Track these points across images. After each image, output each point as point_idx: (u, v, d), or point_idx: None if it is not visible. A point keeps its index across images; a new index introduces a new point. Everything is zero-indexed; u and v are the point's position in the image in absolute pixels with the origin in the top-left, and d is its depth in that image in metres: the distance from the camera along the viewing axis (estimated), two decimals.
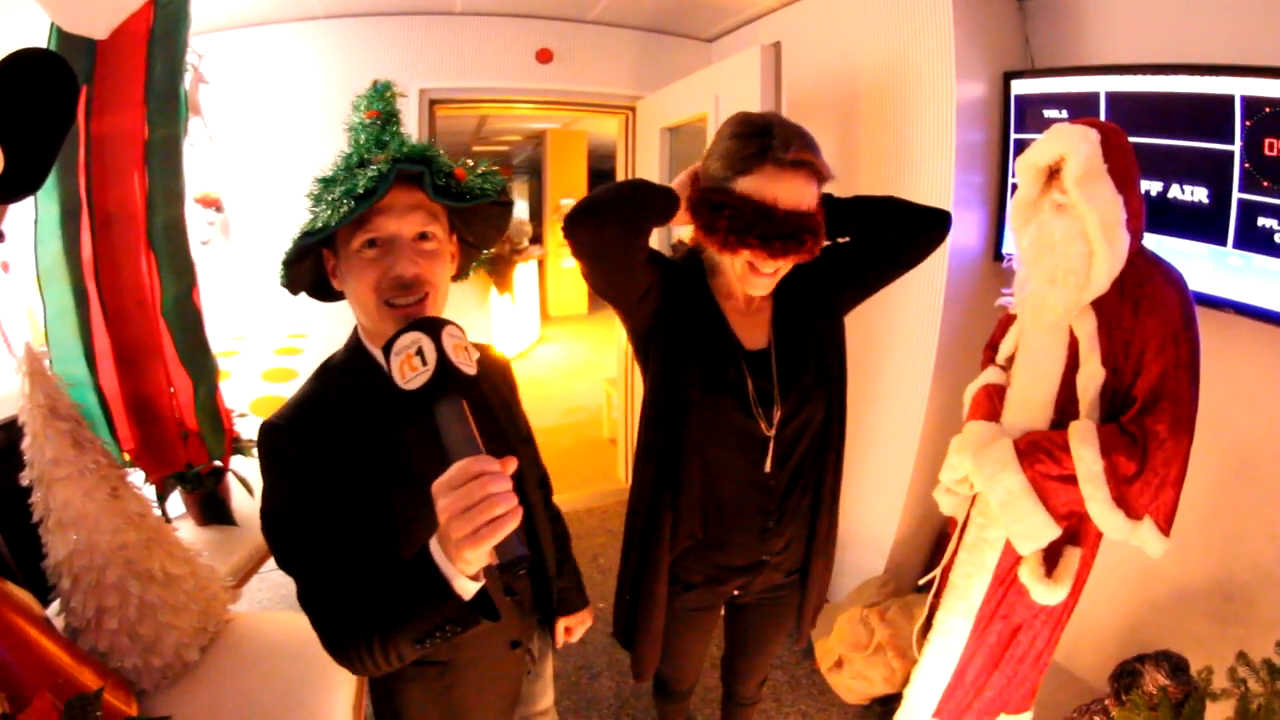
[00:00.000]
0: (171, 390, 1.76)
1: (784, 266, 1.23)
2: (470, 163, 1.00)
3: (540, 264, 8.19)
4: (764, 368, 1.34)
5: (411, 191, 0.93)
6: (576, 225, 1.17)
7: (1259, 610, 1.85)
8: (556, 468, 1.45)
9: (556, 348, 7.66)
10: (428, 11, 3.05)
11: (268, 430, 0.92)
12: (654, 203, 1.22)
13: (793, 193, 1.17)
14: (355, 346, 1.02)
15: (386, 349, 0.80)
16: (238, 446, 1.97)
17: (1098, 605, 1.93)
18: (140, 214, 1.65)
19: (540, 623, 1.32)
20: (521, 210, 9.54)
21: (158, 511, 1.68)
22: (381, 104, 1.00)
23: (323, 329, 2.95)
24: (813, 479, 1.41)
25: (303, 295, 1.06)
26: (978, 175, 2.24)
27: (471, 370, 0.81)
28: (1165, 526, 1.50)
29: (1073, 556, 1.64)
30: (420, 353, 0.78)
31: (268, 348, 2.79)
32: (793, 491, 1.39)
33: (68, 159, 1.55)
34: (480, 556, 0.74)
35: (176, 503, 1.94)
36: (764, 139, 1.17)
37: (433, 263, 0.95)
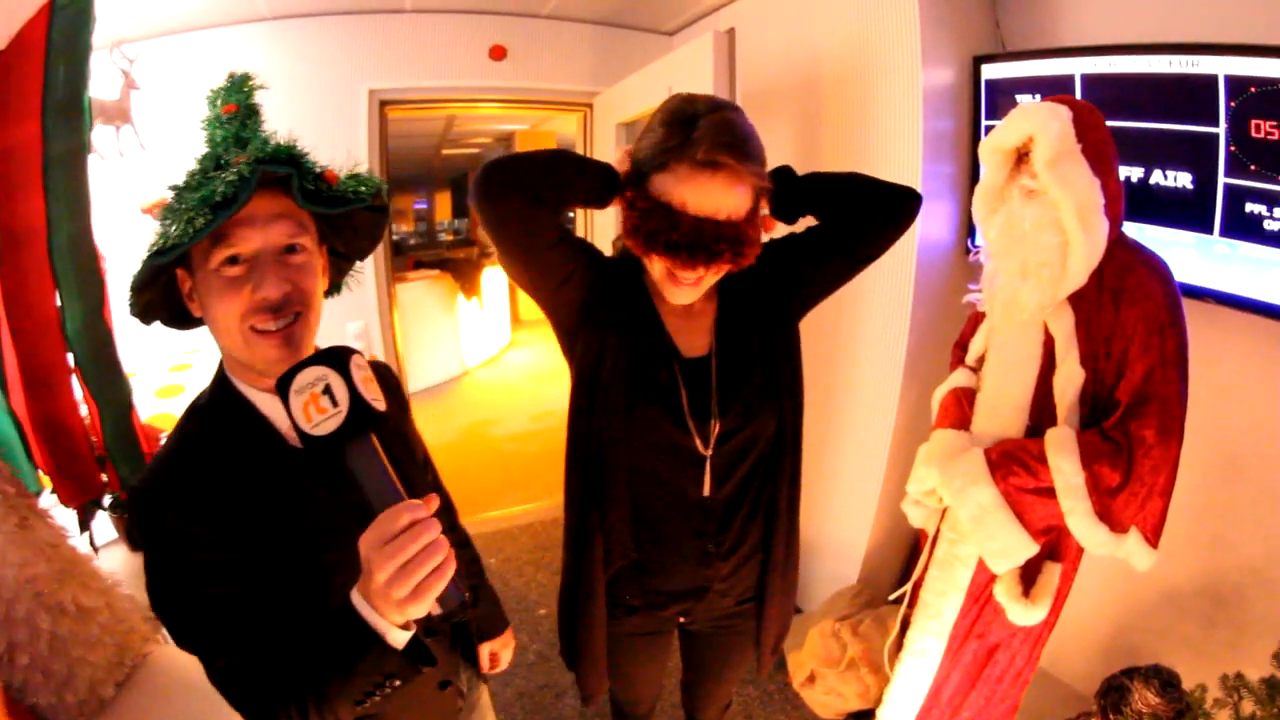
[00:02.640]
0: (85, 414, 1.58)
1: (708, 276, 1.03)
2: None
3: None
4: (703, 377, 1.13)
5: (276, 198, 0.79)
6: (478, 189, 0.98)
7: (1251, 612, 1.70)
8: (525, 475, 1.30)
9: (527, 352, 7.36)
10: (377, 10, 2.87)
11: (136, 497, 0.78)
12: (575, 181, 1.03)
13: (706, 198, 0.96)
14: (221, 384, 0.85)
15: (284, 387, 0.66)
16: None
17: (1083, 610, 1.81)
18: (42, 231, 1.47)
19: (464, 656, 1.18)
20: None
21: (76, 540, 1.52)
22: (239, 96, 0.84)
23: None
24: (764, 500, 1.20)
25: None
26: (947, 165, 2.06)
27: (383, 405, 0.69)
28: (1153, 538, 1.33)
29: (1052, 573, 1.45)
30: (329, 390, 0.65)
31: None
32: (736, 514, 1.18)
33: None
34: (420, 610, 0.66)
35: (109, 528, 1.76)
36: (686, 131, 0.96)
37: (304, 277, 0.81)
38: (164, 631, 1.68)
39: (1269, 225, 1.47)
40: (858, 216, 1.12)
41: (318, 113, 2.79)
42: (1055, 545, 1.44)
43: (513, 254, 1.05)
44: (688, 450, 1.12)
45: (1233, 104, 1.47)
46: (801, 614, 2.53)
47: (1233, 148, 1.49)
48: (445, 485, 1.23)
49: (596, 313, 1.11)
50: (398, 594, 0.64)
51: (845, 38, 2.22)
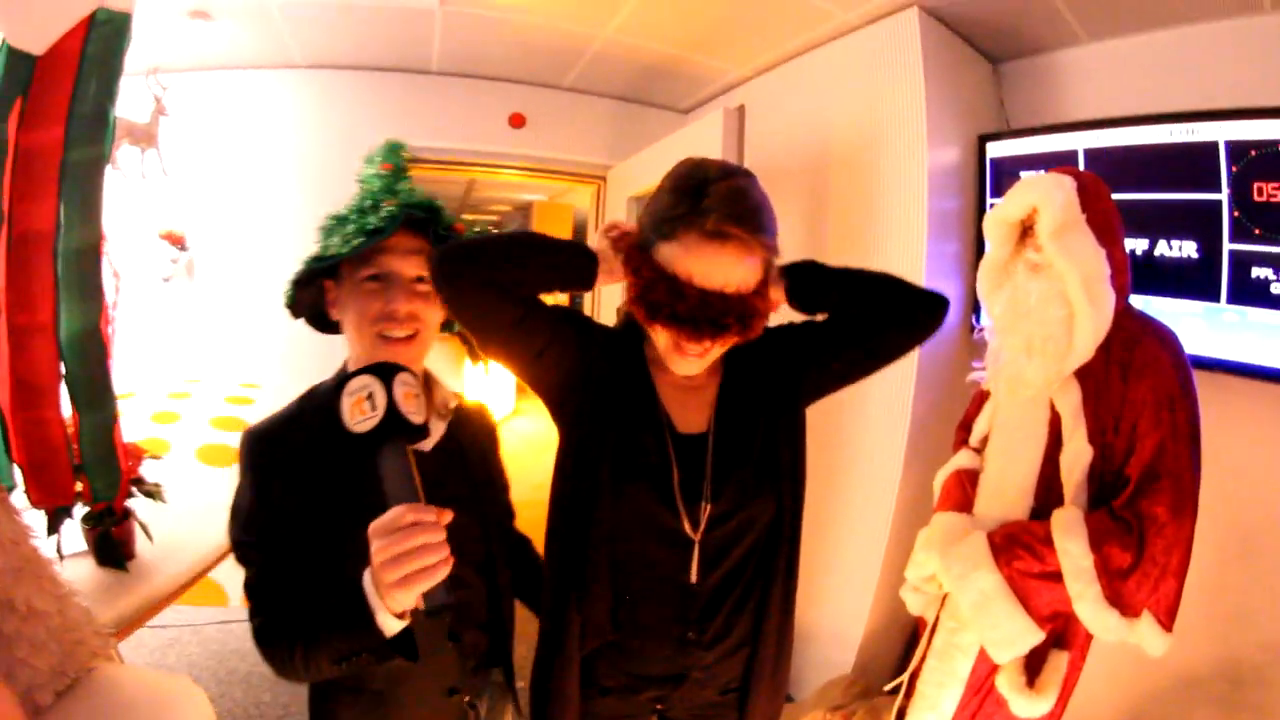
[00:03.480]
0: (69, 421, 1.53)
1: (715, 348, 0.96)
2: (468, 218, 1.01)
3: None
4: (698, 456, 1.03)
5: (414, 238, 0.98)
6: (433, 274, 0.93)
7: (1273, 694, 1.58)
8: None
9: (529, 421, 7.23)
10: (405, 69, 2.96)
11: (247, 436, 0.96)
12: (535, 266, 0.96)
13: (715, 270, 0.90)
14: (341, 374, 0.96)
15: (339, 388, 0.78)
16: (145, 489, 1.71)
17: (1092, 697, 1.66)
18: (50, 235, 1.47)
19: (498, 683, 1.19)
20: None
21: (40, 541, 1.44)
22: (395, 159, 1.06)
23: (275, 381, 2.81)
24: (755, 592, 1.07)
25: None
26: (952, 244, 2.03)
27: (420, 419, 0.78)
28: (1167, 621, 1.21)
29: (1059, 662, 1.32)
30: (371, 397, 0.76)
31: (219, 394, 2.57)
32: (723, 604, 1.05)
33: None
34: (407, 600, 0.74)
35: (80, 539, 1.69)
36: (695, 200, 0.90)
37: (427, 304, 0.99)
38: (116, 649, 1.59)
39: (1276, 289, 1.43)
40: (883, 317, 1.04)
41: (340, 161, 2.75)
42: (1062, 632, 1.31)
43: (475, 332, 1.01)
44: (675, 533, 1.01)
45: (1234, 169, 1.46)
46: (792, 703, 2.33)
47: (1236, 213, 1.47)
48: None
49: (586, 384, 1.03)
50: (387, 578, 0.72)
51: (853, 117, 2.25)
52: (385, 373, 0.77)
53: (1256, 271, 1.46)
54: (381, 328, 0.95)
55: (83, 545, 1.68)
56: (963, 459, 1.53)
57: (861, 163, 2.22)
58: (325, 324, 1.07)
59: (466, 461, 1.10)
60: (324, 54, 2.80)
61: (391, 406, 0.75)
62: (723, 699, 1.12)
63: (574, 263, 0.99)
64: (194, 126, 2.70)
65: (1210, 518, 1.23)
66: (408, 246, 0.97)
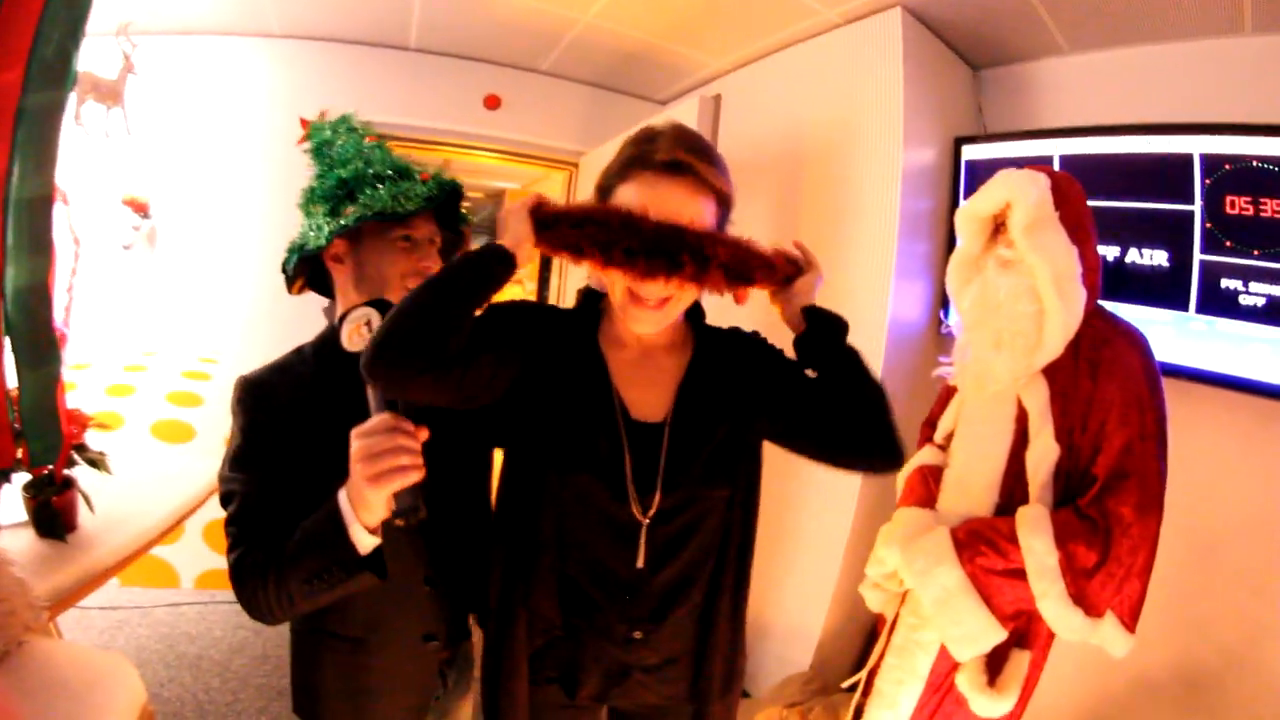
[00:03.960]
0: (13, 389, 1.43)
1: (674, 301, 0.92)
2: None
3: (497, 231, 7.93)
4: (653, 444, 0.97)
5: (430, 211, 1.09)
6: (375, 378, 0.85)
7: (1230, 697, 1.59)
8: None
9: None
10: (382, 44, 2.89)
11: (240, 381, 0.99)
12: (453, 304, 0.86)
13: (669, 200, 0.87)
14: (330, 334, 1.06)
15: (342, 316, 0.92)
16: (88, 457, 1.62)
17: (1051, 697, 1.66)
18: (1, 181, 1.37)
19: (457, 659, 1.18)
20: None
21: None
22: (364, 131, 1.13)
23: (234, 354, 2.72)
24: (702, 598, 1.02)
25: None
26: (923, 244, 2.02)
27: None
28: (1130, 622, 1.21)
29: (1020, 661, 1.30)
30: (369, 324, 0.89)
31: (176, 368, 2.47)
32: (670, 605, 1.00)
33: None
34: (379, 499, 0.80)
35: (20, 508, 1.59)
36: (646, 145, 0.90)
37: (439, 263, 1.09)
38: (56, 625, 1.50)
39: (1245, 300, 1.44)
40: (852, 418, 0.97)
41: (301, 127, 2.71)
42: (1024, 631, 1.30)
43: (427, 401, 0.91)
44: (624, 525, 0.96)
45: (1208, 182, 1.46)
46: (749, 698, 2.30)
47: (1208, 224, 1.47)
48: None
49: (533, 381, 0.97)
50: (364, 472, 0.78)
51: (830, 113, 2.23)
52: (383, 307, 0.89)
53: (1226, 282, 1.47)
54: (411, 281, 1.03)
55: (23, 515, 1.59)
56: (926, 455, 1.51)
57: (836, 159, 2.19)
58: (292, 281, 1.13)
59: (440, 411, 1.04)
60: (301, 24, 2.71)
61: None
62: (670, 704, 1.07)
63: (481, 270, 0.87)
64: (163, 90, 2.59)
65: (1173, 524, 1.22)
66: (429, 214, 1.09)
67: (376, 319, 0.88)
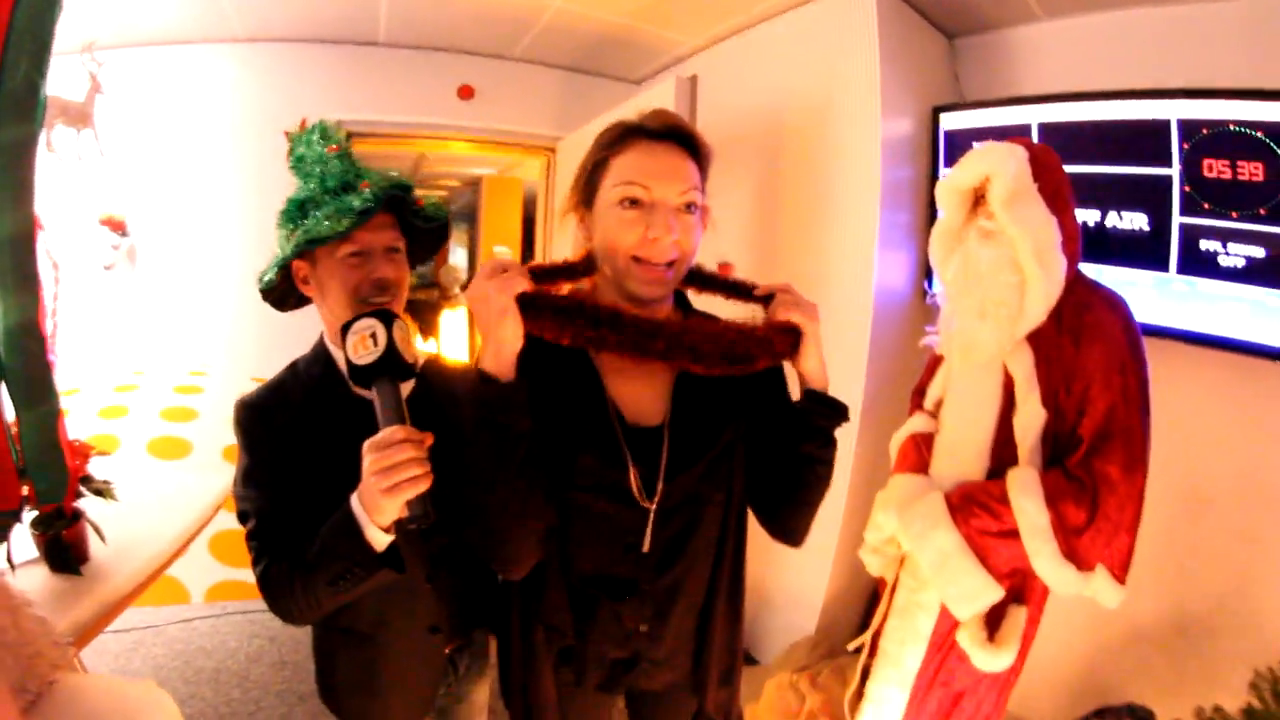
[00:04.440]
0: (13, 423, 1.42)
1: (678, 260, 0.93)
2: (418, 193, 1.12)
3: (470, 311, 7.72)
4: (653, 448, 0.98)
5: (385, 214, 1.06)
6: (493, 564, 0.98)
7: (1221, 645, 1.64)
8: None
9: None
10: (352, 41, 2.84)
11: (238, 406, 1.05)
12: (501, 467, 0.86)
13: (663, 166, 0.91)
14: (320, 350, 1.11)
15: (345, 327, 0.90)
16: (94, 488, 1.62)
17: (1050, 651, 1.70)
18: None
19: (482, 644, 1.29)
20: (460, 258, 9.16)
21: None
22: (334, 140, 1.08)
23: (224, 367, 2.72)
24: (700, 595, 1.06)
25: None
26: (905, 214, 2.04)
27: (411, 359, 0.92)
28: (1121, 575, 1.26)
29: (1018, 617, 1.36)
30: (374, 336, 0.88)
31: (167, 384, 2.45)
32: (674, 602, 1.03)
33: None
34: (394, 508, 0.85)
35: (31, 546, 1.59)
36: (629, 125, 0.95)
37: (400, 269, 1.08)
38: (78, 658, 1.52)
39: (1224, 261, 1.47)
40: (789, 488, 1.01)
41: (283, 138, 2.65)
42: (1020, 588, 1.35)
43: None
44: (628, 524, 0.98)
45: (1186, 146, 1.48)
46: (758, 665, 2.38)
47: (1187, 188, 1.50)
48: None
49: (532, 389, 0.92)
50: (378, 485, 0.82)
51: (806, 87, 2.23)
52: (387, 317, 0.89)
53: (1205, 244, 1.50)
54: (365, 295, 1.02)
55: (33, 552, 1.59)
56: (918, 423, 1.55)
57: (815, 133, 2.20)
58: (283, 302, 1.14)
59: (435, 414, 1.06)
60: (267, 26, 2.66)
61: (391, 344, 0.87)
62: (684, 684, 1.12)
63: (489, 417, 0.85)
64: (132, 105, 2.53)
65: (1159, 479, 1.27)
66: (381, 221, 1.04)
67: (380, 330, 0.88)
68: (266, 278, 1.06)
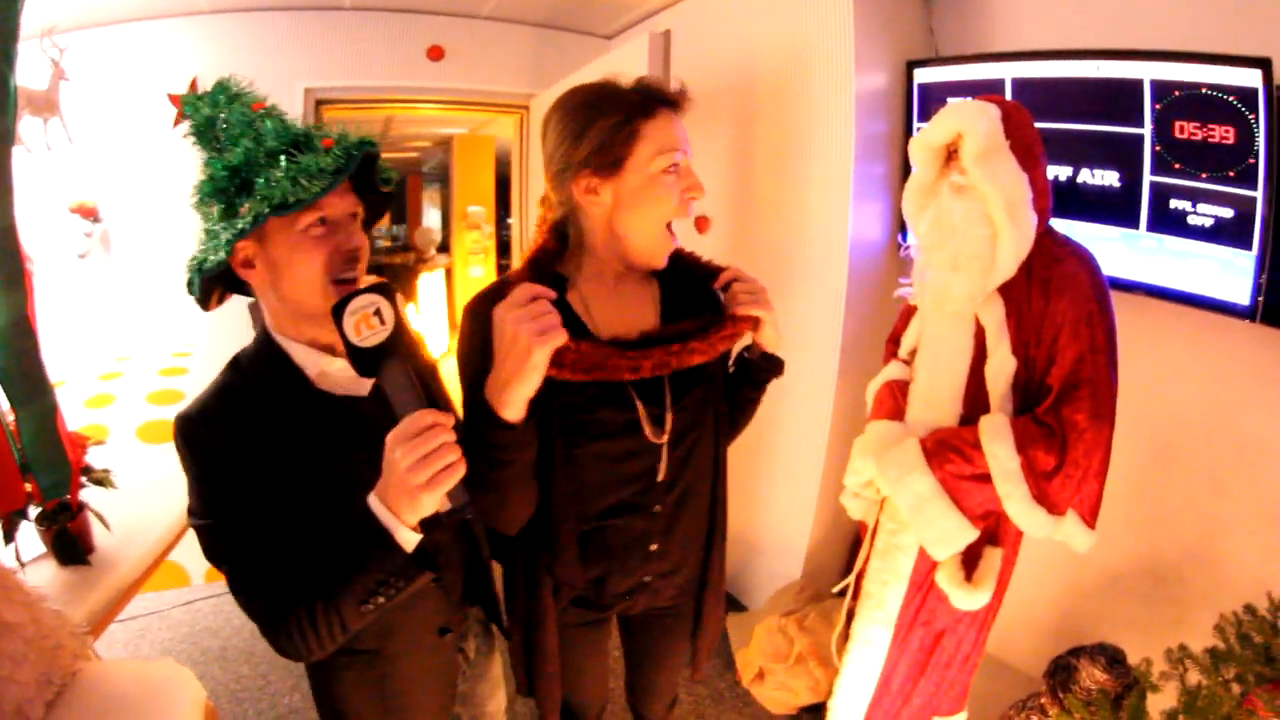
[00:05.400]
0: (11, 421, 1.43)
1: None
2: (386, 156, 1.02)
3: (448, 273, 7.37)
4: (652, 386, 1.07)
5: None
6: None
7: (1190, 589, 1.72)
8: None
9: None
10: (316, 7, 2.76)
11: (180, 421, 0.88)
12: (504, 483, 0.96)
13: (680, 132, 1.00)
14: (264, 341, 0.95)
15: (339, 310, 0.78)
16: (94, 478, 1.64)
17: (1027, 594, 1.82)
18: None
19: (480, 621, 1.24)
20: (434, 219, 9.00)
21: None
22: (250, 97, 0.95)
23: (207, 346, 2.69)
24: (704, 505, 1.19)
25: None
26: (879, 166, 2.06)
27: (412, 335, 0.83)
28: (1090, 519, 1.32)
29: (993, 557, 1.43)
30: (379, 313, 0.78)
31: (152, 368, 2.45)
32: (681, 514, 1.15)
33: None
34: (433, 502, 0.75)
35: (37, 542, 1.62)
36: (635, 93, 0.97)
37: (364, 237, 0.96)
38: (93, 648, 1.56)
39: (1192, 220, 1.49)
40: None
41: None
42: (994, 530, 1.42)
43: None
44: (642, 460, 1.07)
45: (1158, 106, 1.50)
46: (746, 611, 2.49)
47: (1158, 148, 1.51)
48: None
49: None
50: (415, 479, 0.72)
51: (780, 41, 2.21)
52: (387, 291, 0.80)
53: (1175, 203, 1.52)
54: (339, 271, 0.90)
55: (40, 548, 1.62)
56: (893, 370, 1.59)
57: (789, 87, 2.19)
58: (207, 298, 0.97)
59: (427, 381, 1.11)
60: None
61: (399, 320, 0.79)
62: (677, 602, 1.25)
63: (494, 451, 0.89)
64: (97, 87, 2.46)
65: (1129, 428, 1.32)
66: (345, 186, 0.93)
67: (385, 306, 0.78)
68: (215, 259, 0.88)
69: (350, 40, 2.87)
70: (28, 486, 1.46)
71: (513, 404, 0.85)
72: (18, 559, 1.52)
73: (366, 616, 0.82)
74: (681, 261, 1.12)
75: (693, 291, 1.13)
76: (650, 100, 0.97)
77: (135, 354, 2.54)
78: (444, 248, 7.58)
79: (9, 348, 1.39)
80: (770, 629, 2.11)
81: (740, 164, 2.46)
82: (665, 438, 1.07)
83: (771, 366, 1.16)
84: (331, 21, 2.82)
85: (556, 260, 1.07)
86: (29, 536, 1.58)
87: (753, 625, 2.19)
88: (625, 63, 2.25)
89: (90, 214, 2.47)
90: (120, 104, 2.61)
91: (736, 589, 2.68)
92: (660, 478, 1.09)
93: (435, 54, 2.98)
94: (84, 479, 1.61)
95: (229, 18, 2.68)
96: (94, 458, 1.68)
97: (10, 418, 1.46)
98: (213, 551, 0.87)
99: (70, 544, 1.60)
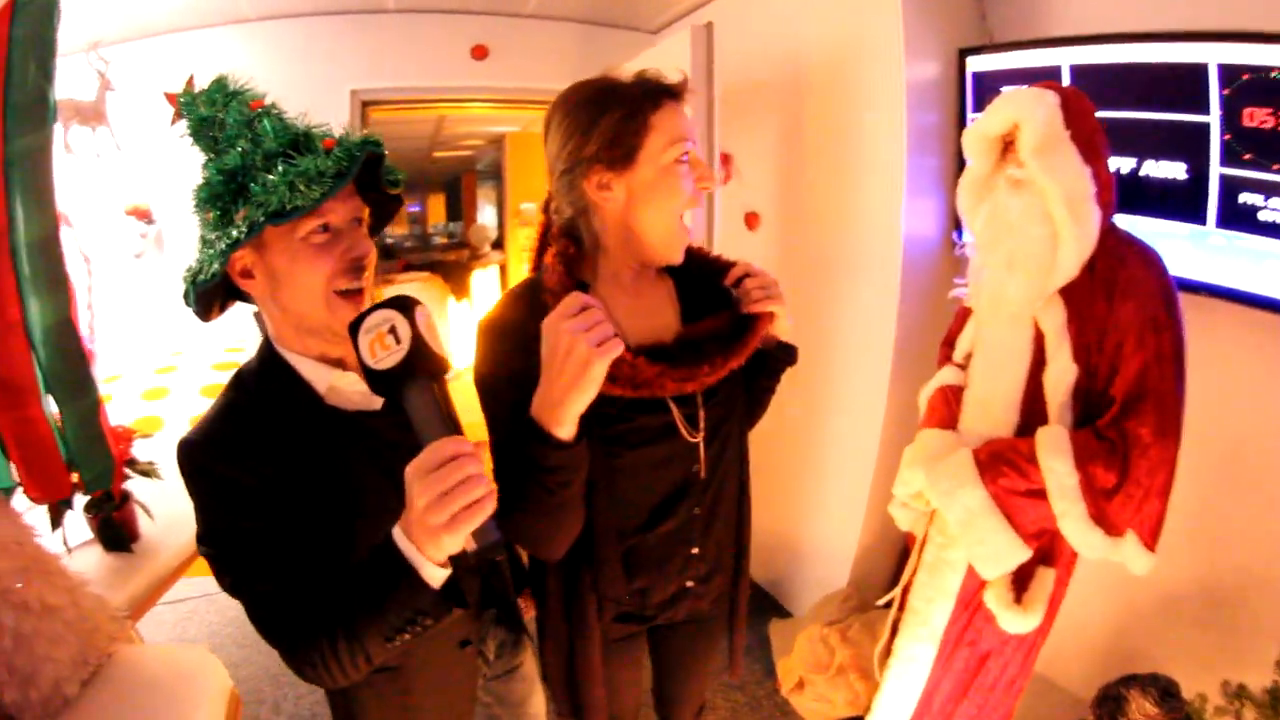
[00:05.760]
0: (56, 415, 1.50)
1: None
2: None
3: (501, 269, 7.39)
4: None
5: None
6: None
7: (1252, 616, 1.59)
8: None
9: None
10: (360, 10, 2.79)
11: (185, 448, 0.81)
12: (556, 507, 0.92)
13: (686, 122, 0.97)
14: (269, 356, 0.90)
15: (354, 328, 0.72)
16: (139, 470, 1.70)
17: (1079, 613, 1.69)
18: (5, 232, 1.38)
19: (499, 622, 1.19)
20: (489, 216, 9.12)
21: (45, 538, 1.47)
22: (251, 95, 0.90)
23: (255, 339, 2.71)
24: (733, 506, 1.16)
25: (235, 310, 0.96)
26: (932, 159, 1.97)
27: (440, 350, 0.73)
28: (1150, 541, 1.23)
29: (1045, 579, 1.35)
30: (394, 330, 0.71)
31: (205, 362, 2.53)
32: (717, 512, 1.13)
33: None
34: (456, 542, 0.68)
35: (85, 528, 1.69)
36: (636, 86, 0.95)
37: (369, 244, 0.90)
38: (136, 630, 1.63)
39: (1264, 216, 1.37)
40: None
41: (299, 113, 2.62)
42: (1047, 549, 1.34)
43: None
44: (683, 462, 1.06)
45: (1226, 92, 1.38)
46: (790, 618, 2.43)
47: (1226, 136, 1.39)
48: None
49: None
50: (434, 520, 0.65)
51: (827, 31, 2.14)
52: (404, 305, 0.72)
53: (1245, 197, 1.40)
54: (339, 283, 0.84)
55: (88, 534, 1.69)
56: (947, 375, 1.52)
57: (837, 78, 2.12)
58: (209, 308, 0.91)
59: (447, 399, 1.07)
60: (274, 4, 2.63)
61: (417, 338, 0.70)
62: (712, 608, 1.22)
63: (546, 470, 0.85)
64: (147, 95, 2.53)
65: (1193, 441, 1.22)
66: (348, 189, 0.88)
67: (401, 322, 0.70)
68: (210, 271, 0.82)
69: (395, 42, 2.90)
70: (74, 478, 1.51)
71: (568, 421, 0.81)
72: (65, 544, 1.59)
73: (392, 650, 0.77)
74: (691, 258, 1.08)
75: (706, 288, 1.10)
76: (655, 92, 0.94)
77: (189, 349, 2.63)
78: (498, 244, 7.69)
79: (54, 348, 1.45)
80: (812, 638, 2.06)
81: (788, 159, 2.40)
82: (701, 435, 1.05)
83: (787, 355, 1.14)
84: (376, 24, 2.86)
85: (577, 265, 1.03)
86: (78, 523, 1.65)
87: (795, 633, 2.14)
88: (667, 57, 2.20)
89: (145, 216, 2.59)
90: (170, 111, 2.69)
91: (781, 594, 2.63)
92: (701, 476, 1.07)
93: (479, 53, 2.98)
94: (129, 471, 1.67)
95: (275, 24, 2.74)
96: (142, 450, 1.73)
97: (57, 413, 1.52)
98: (226, 582, 0.82)
99: (115, 532, 1.68)
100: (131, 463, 1.69)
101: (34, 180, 1.42)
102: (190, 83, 0.91)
